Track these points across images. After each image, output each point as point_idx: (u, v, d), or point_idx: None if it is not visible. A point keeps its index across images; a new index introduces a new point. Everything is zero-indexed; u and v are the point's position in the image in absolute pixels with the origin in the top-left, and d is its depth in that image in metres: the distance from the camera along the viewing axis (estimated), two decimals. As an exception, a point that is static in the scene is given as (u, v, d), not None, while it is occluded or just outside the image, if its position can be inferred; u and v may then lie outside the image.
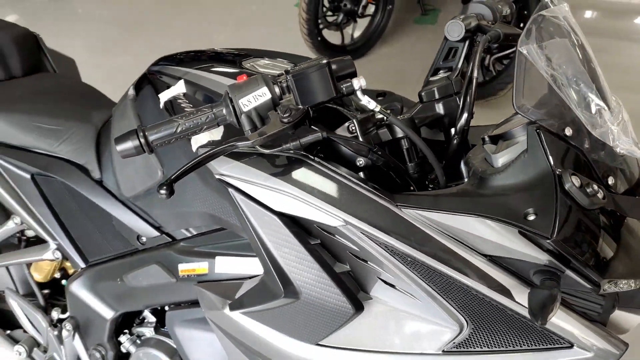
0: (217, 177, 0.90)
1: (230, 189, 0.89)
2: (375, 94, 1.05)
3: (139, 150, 0.80)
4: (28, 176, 1.26)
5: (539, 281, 0.77)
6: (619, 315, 0.90)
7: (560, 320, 0.81)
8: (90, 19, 4.59)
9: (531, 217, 0.74)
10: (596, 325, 0.82)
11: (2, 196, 1.29)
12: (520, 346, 0.83)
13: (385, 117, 0.89)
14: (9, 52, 1.40)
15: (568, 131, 0.77)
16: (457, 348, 0.85)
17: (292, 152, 0.84)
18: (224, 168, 0.89)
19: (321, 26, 3.45)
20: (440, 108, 0.98)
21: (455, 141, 0.96)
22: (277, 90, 0.81)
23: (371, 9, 3.78)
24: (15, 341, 1.50)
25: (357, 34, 3.76)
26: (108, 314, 1.25)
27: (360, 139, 0.87)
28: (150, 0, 4.78)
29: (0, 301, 1.52)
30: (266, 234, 0.88)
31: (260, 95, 0.80)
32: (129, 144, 0.80)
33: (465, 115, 0.95)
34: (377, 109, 0.86)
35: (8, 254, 1.41)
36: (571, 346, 0.82)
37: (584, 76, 0.83)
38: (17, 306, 1.42)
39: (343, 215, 0.82)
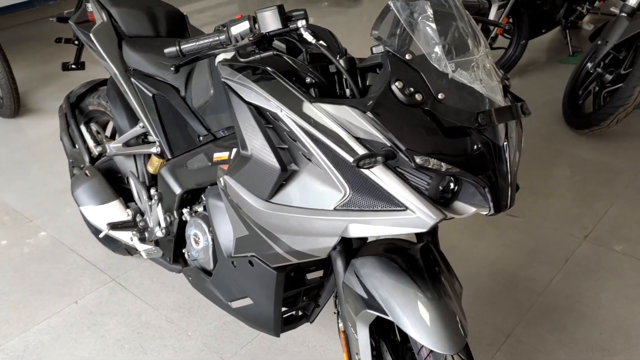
0: (222, 80, 1.45)
1: (226, 87, 1.43)
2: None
3: (176, 53, 1.39)
4: (150, 95, 1.94)
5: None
6: (459, 205, 1.23)
7: (399, 189, 1.19)
8: None
9: (369, 103, 1.15)
10: (424, 197, 1.18)
11: (135, 107, 2.00)
12: (378, 208, 1.22)
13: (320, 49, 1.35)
14: (160, 19, 2.13)
15: (408, 56, 1.17)
16: (342, 207, 1.27)
17: (259, 64, 1.35)
18: (225, 73, 1.44)
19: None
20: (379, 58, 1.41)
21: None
22: (252, 22, 1.33)
23: (504, 42, 4.08)
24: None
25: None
26: (177, 190, 1.86)
27: (306, 64, 1.35)
28: None
29: (126, 183, 2.25)
30: (239, 117, 1.40)
31: (243, 26, 1.34)
32: (171, 49, 1.39)
33: None
34: (315, 41, 1.33)
35: (134, 147, 2.13)
36: (405, 209, 1.19)
37: (445, 27, 1.21)
38: (134, 185, 2.13)
39: (280, 105, 1.30)
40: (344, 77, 1.29)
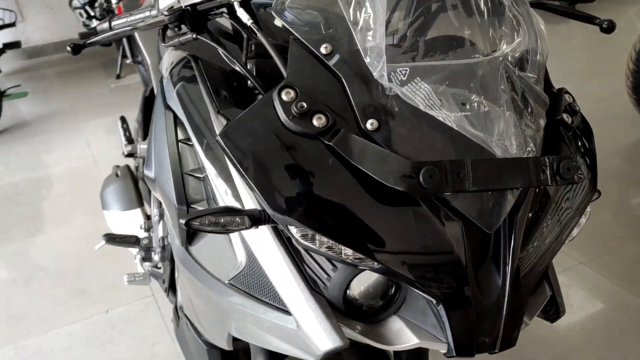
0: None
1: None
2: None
3: (107, 29, 1.03)
4: None
5: None
6: (394, 325, 0.67)
7: (284, 276, 0.68)
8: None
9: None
10: (318, 298, 0.65)
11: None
12: (264, 297, 0.73)
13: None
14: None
15: (324, 49, 0.65)
16: (235, 282, 0.80)
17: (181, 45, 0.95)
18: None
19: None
20: None
21: None
22: None
23: None
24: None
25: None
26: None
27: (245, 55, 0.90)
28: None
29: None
30: (155, 123, 1.02)
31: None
32: (103, 25, 1.03)
33: None
34: (249, 22, 0.87)
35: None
36: (289, 314, 0.68)
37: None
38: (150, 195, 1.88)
39: (186, 122, 0.89)
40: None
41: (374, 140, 0.62)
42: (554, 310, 0.77)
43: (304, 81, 0.64)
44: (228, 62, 0.85)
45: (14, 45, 4.28)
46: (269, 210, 0.60)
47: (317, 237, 0.61)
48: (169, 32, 0.95)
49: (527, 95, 0.69)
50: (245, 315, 0.75)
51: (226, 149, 0.62)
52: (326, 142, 0.61)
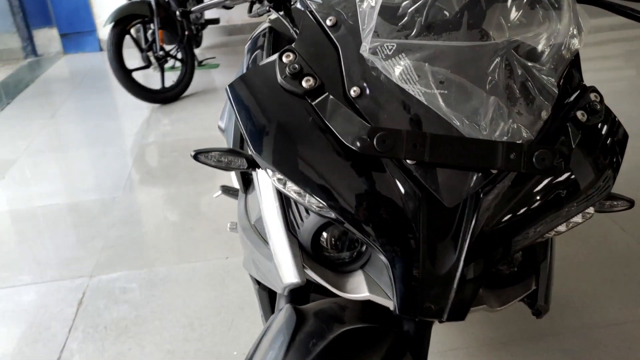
0: None
1: None
2: None
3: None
4: None
5: None
6: (355, 278, 0.73)
7: (268, 209, 0.78)
8: None
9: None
10: (290, 237, 0.74)
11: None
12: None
13: None
14: None
15: (330, 21, 0.72)
16: (256, 224, 0.92)
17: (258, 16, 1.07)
18: None
19: None
20: None
21: None
22: None
23: None
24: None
25: None
26: None
27: None
28: None
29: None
30: None
31: None
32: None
33: None
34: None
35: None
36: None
37: None
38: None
39: None
40: None
41: (355, 106, 0.68)
42: (537, 307, 0.76)
43: (306, 48, 0.72)
44: (291, 32, 0.96)
45: (213, 21, 4.87)
46: (252, 153, 0.70)
47: (289, 182, 0.69)
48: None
49: (531, 85, 0.69)
50: (253, 253, 0.87)
51: (230, 97, 0.73)
52: (310, 101, 0.69)
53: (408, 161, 0.65)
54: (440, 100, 0.65)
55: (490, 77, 0.67)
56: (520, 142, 0.66)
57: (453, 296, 0.66)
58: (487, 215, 0.66)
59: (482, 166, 0.64)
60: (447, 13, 0.70)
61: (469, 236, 0.66)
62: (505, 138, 0.66)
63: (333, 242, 0.76)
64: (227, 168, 0.76)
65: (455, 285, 0.66)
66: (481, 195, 0.66)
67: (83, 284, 2.20)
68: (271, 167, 0.69)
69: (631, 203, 0.80)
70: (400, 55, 0.67)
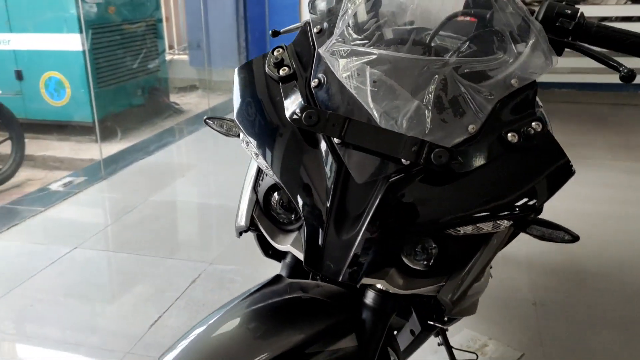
0: None
1: None
2: None
3: None
4: None
5: None
6: (286, 234, 0.88)
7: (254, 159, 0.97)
8: None
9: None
10: (251, 195, 0.91)
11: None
12: None
13: None
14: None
15: (316, 28, 0.89)
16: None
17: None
18: None
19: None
20: None
21: None
22: None
23: None
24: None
25: None
26: None
27: None
28: None
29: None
30: None
31: None
32: None
33: None
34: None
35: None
36: None
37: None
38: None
39: None
40: None
41: (314, 94, 0.85)
42: (439, 297, 0.81)
43: (294, 47, 0.92)
44: None
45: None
46: (234, 118, 0.91)
47: (250, 145, 0.87)
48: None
49: (463, 100, 0.78)
50: None
51: (235, 78, 0.95)
52: (281, 85, 0.88)
53: (335, 140, 0.79)
54: (368, 96, 0.78)
55: (420, 86, 0.78)
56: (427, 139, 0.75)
57: (349, 261, 0.77)
58: (391, 197, 0.76)
59: (388, 153, 0.75)
60: (402, 31, 0.83)
61: (371, 212, 0.76)
62: (420, 137, 0.76)
63: (281, 203, 0.91)
64: (226, 134, 0.98)
65: (352, 252, 0.77)
66: (389, 180, 0.77)
67: (201, 267, 2.56)
68: (240, 129, 0.88)
69: (575, 238, 0.81)
70: (351, 58, 0.82)
